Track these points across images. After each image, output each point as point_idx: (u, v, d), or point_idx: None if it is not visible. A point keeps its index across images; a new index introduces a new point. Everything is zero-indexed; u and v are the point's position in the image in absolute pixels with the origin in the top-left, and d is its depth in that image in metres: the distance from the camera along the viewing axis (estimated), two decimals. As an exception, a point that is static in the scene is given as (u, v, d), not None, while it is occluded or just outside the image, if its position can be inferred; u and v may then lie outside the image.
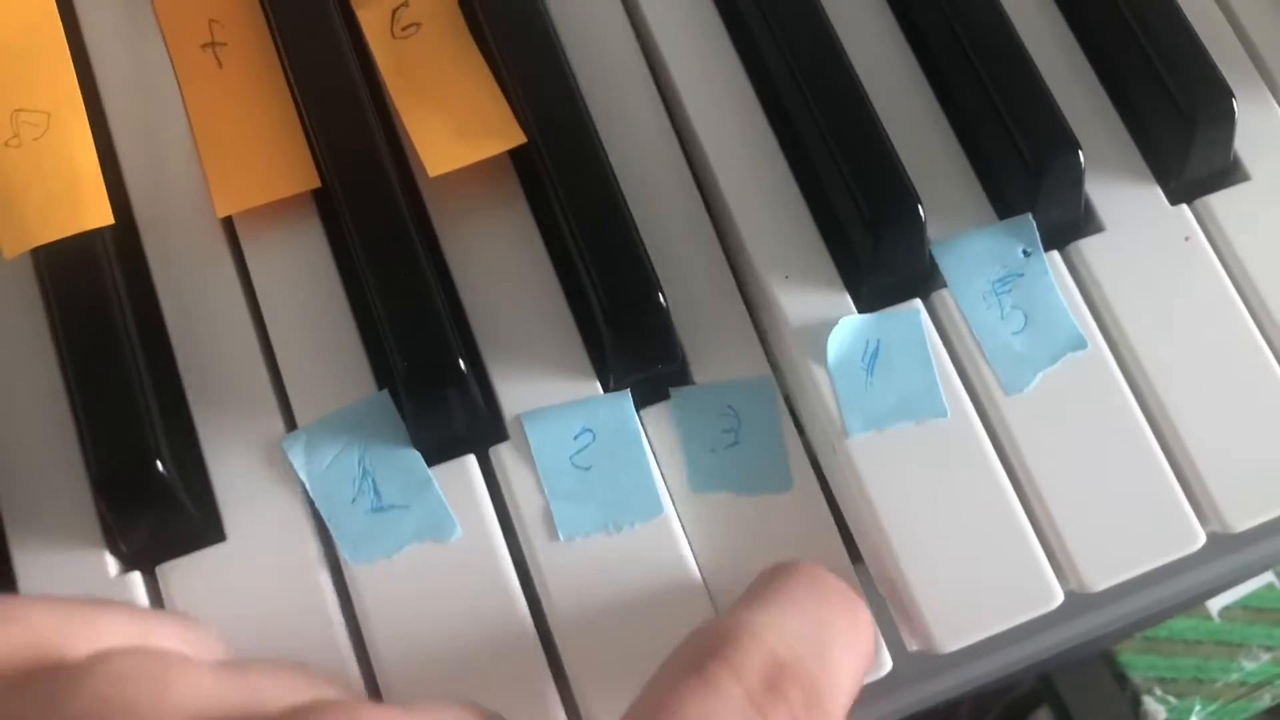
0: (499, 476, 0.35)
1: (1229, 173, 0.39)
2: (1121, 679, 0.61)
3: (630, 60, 0.40)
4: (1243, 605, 0.62)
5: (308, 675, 0.26)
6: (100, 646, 0.24)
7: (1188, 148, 0.38)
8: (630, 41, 0.40)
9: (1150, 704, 0.59)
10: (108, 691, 0.22)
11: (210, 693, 0.23)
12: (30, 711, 0.22)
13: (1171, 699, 0.60)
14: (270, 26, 0.39)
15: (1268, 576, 0.62)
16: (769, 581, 0.30)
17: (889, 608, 0.35)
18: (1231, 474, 0.36)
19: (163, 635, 0.26)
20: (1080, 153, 0.37)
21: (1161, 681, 0.61)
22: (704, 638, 0.27)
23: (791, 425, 0.37)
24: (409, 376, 0.34)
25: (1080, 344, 0.37)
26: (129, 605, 0.32)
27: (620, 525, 0.35)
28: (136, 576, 0.34)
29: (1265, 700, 0.60)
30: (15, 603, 0.24)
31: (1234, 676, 0.60)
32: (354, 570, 0.34)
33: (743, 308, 0.38)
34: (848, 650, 0.28)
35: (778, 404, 0.37)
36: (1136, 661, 0.61)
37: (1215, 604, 0.62)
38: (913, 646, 0.35)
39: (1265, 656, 0.61)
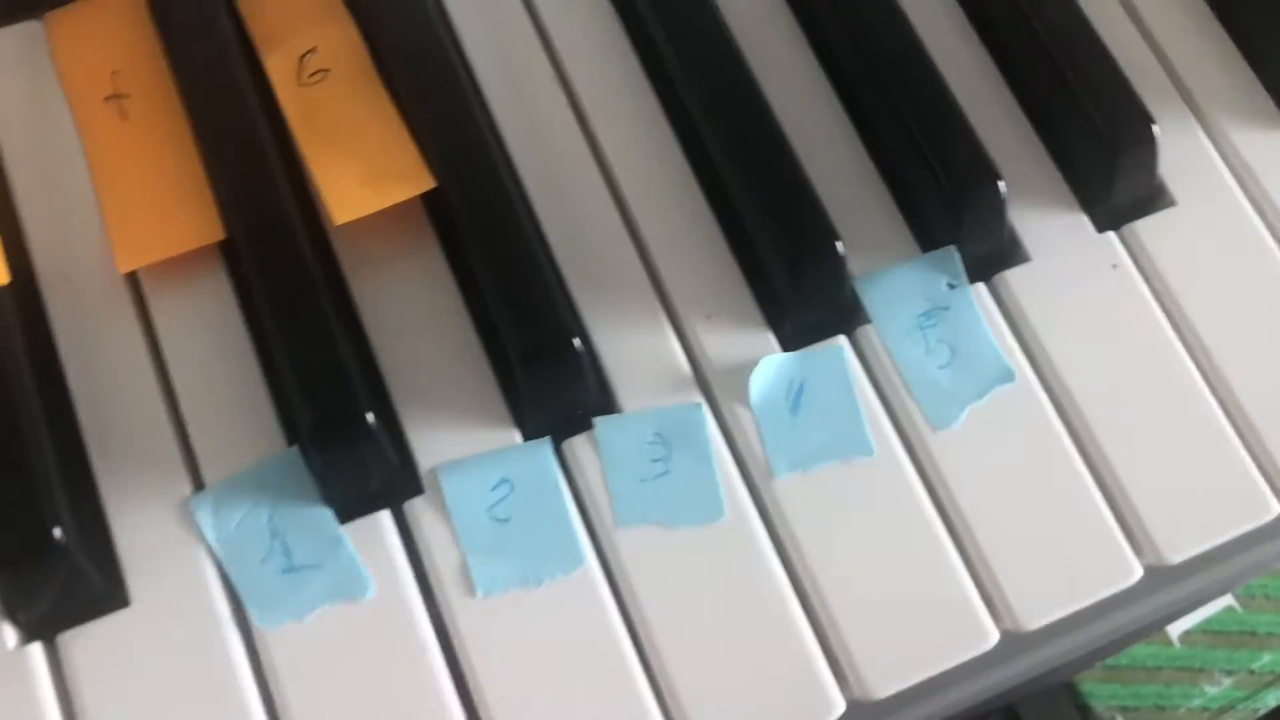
0: (414, 532, 0.34)
1: (1155, 198, 0.39)
2: (1084, 709, 0.60)
3: (553, 102, 0.39)
4: (1203, 630, 0.61)
5: None
6: None
7: (1111, 175, 0.38)
8: (552, 83, 0.40)
9: (1112, 734, 0.59)
10: None
11: None
12: None
13: (1134, 728, 0.59)
14: (174, 76, 0.38)
15: (1227, 599, 0.62)
16: None
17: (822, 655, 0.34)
18: (1166, 505, 0.35)
19: None
20: (1001, 182, 0.36)
21: (1124, 710, 0.60)
22: None
23: (727, 453, 0.35)
24: (314, 431, 0.33)
25: (1008, 377, 0.36)
26: None
27: (540, 578, 0.34)
28: (36, 649, 0.33)
29: (1229, 726, 0.59)
30: None
31: (1196, 702, 0.60)
32: (265, 633, 0.33)
33: (673, 336, 0.37)
34: None
35: (709, 430, 0.35)
36: (1098, 691, 0.60)
37: (1175, 629, 0.61)
38: (845, 696, 0.34)
39: (1227, 681, 0.60)
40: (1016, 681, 0.40)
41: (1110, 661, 0.61)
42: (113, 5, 0.39)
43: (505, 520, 0.34)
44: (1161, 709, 0.60)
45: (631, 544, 0.34)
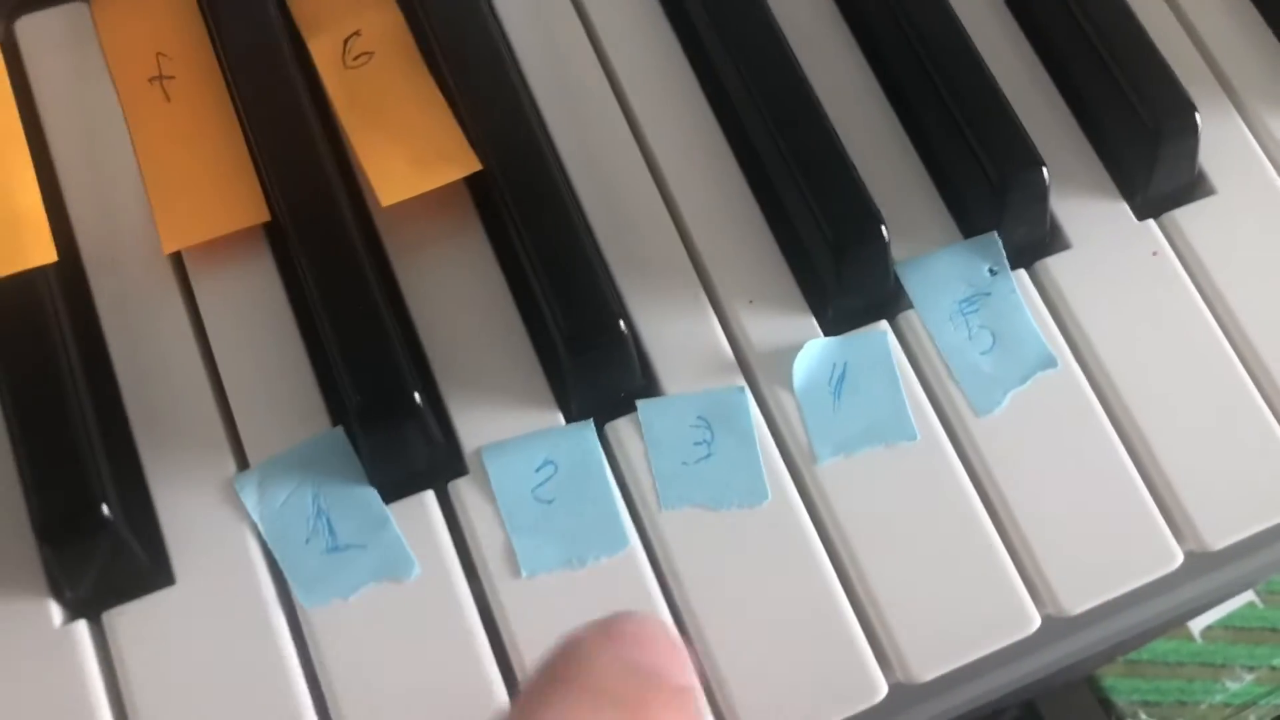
0: (458, 512, 0.34)
1: (1195, 187, 0.39)
2: (1106, 703, 0.60)
3: (596, 87, 0.39)
4: (1224, 625, 0.61)
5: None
6: None
7: (1152, 163, 0.38)
8: (594, 64, 0.40)
9: (1135, 729, 0.59)
10: None
11: None
12: None
13: (1156, 723, 0.59)
14: (219, 58, 0.38)
15: (1249, 595, 0.62)
16: (569, 664, 0.25)
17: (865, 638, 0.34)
18: (1208, 491, 0.35)
19: None
20: (1044, 170, 0.36)
21: (1146, 705, 0.60)
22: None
23: (769, 435, 0.35)
24: (362, 411, 0.33)
25: (1050, 363, 0.36)
26: None
27: (584, 560, 0.34)
28: (82, 626, 0.33)
29: (1251, 721, 0.59)
30: None
31: (1218, 698, 0.60)
32: (309, 613, 0.33)
33: (714, 320, 0.37)
34: (668, 651, 0.25)
35: (752, 413, 0.35)
36: (1120, 685, 0.60)
37: (1197, 625, 0.61)
38: (888, 679, 0.34)
39: (1249, 677, 0.60)
40: (1055, 669, 0.40)
41: (1132, 656, 0.60)
42: (157, -13, 0.39)
43: (549, 501, 0.34)
44: (1183, 704, 0.60)
45: (675, 526, 0.34)
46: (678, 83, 0.39)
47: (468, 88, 0.37)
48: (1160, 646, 0.61)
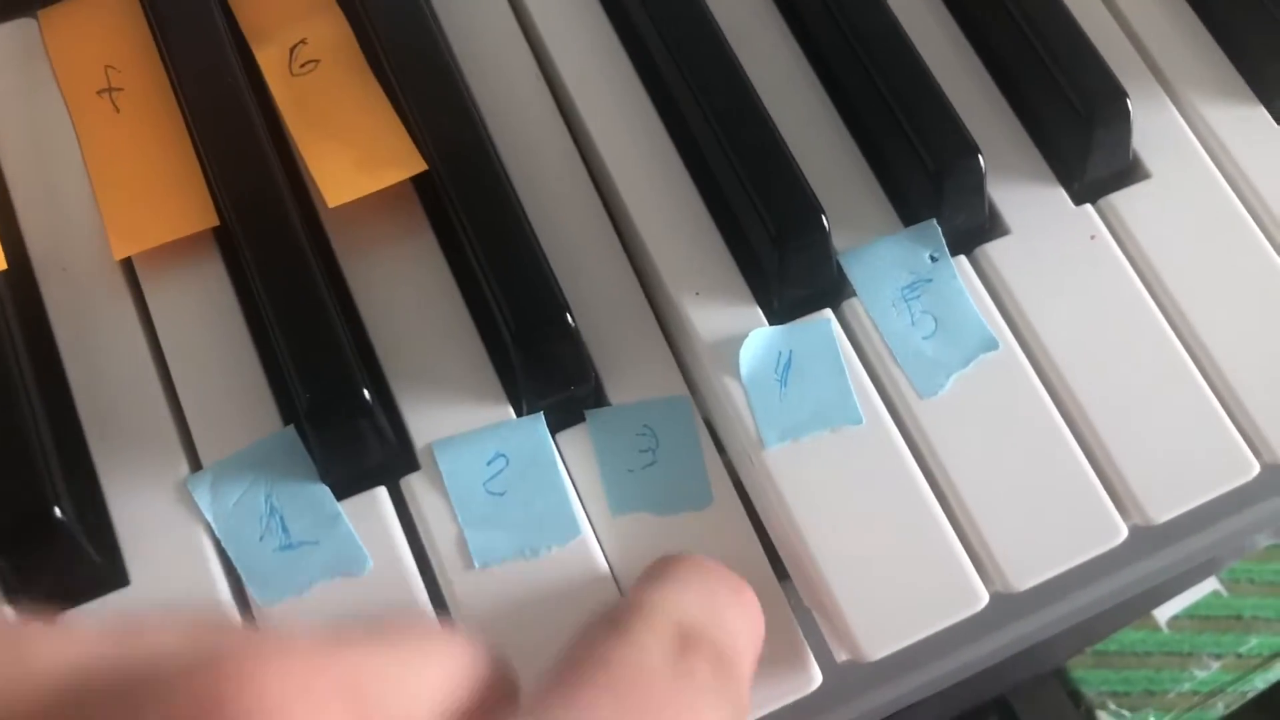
0: (411, 507, 0.35)
1: (1130, 171, 0.40)
2: (1075, 695, 0.60)
3: (533, 87, 0.40)
4: (1190, 615, 0.62)
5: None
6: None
7: (1087, 149, 0.38)
8: (532, 68, 0.41)
9: (1104, 718, 0.59)
10: None
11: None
12: None
13: (1126, 712, 0.59)
14: (167, 69, 0.38)
15: (1213, 584, 0.62)
16: (656, 570, 0.30)
17: (816, 619, 0.35)
18: (1149, 467, 0.36)
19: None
20: (980, 157, 0.37)
21: (1115, 695, 0.60)
22: (609, 613, 0.27)
23: (710, 442, 0.36)
24: (312, 410, 0.33)
25: (991, 345, 0.37)
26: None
27: (537, 549, 0.34)
28: (37, 628, 0.33)
29: (1218, 709, 0.59)
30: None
31: (1186, 686, 0.60)
32: (265, 610, 0.33)
33: (656, 328, 0.37)
34: (741, 619, 0.29)
35: (695, 421, 0.36)
36: (1089, 677, 0.61)
37: (1163, 615, 0.62)
38: (841, 656, 0.34)
39: (1215, 665, 0.61)
40: (1008, 652, 0.41)
41: (1100, 648, 0.61)
42: (105, 2, 0.40)
43: (501, 494, 0.35)
44: (1152, 694, 0.60)
45: (626, 529, 0.35)
46: (619, 80, 0.40)
47: (412, 91, 0.37)
48: (1128, 637, 0.61)
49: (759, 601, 0.30)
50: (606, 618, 0.26)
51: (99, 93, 0.38)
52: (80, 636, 0.20)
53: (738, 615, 0.28)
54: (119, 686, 0.19)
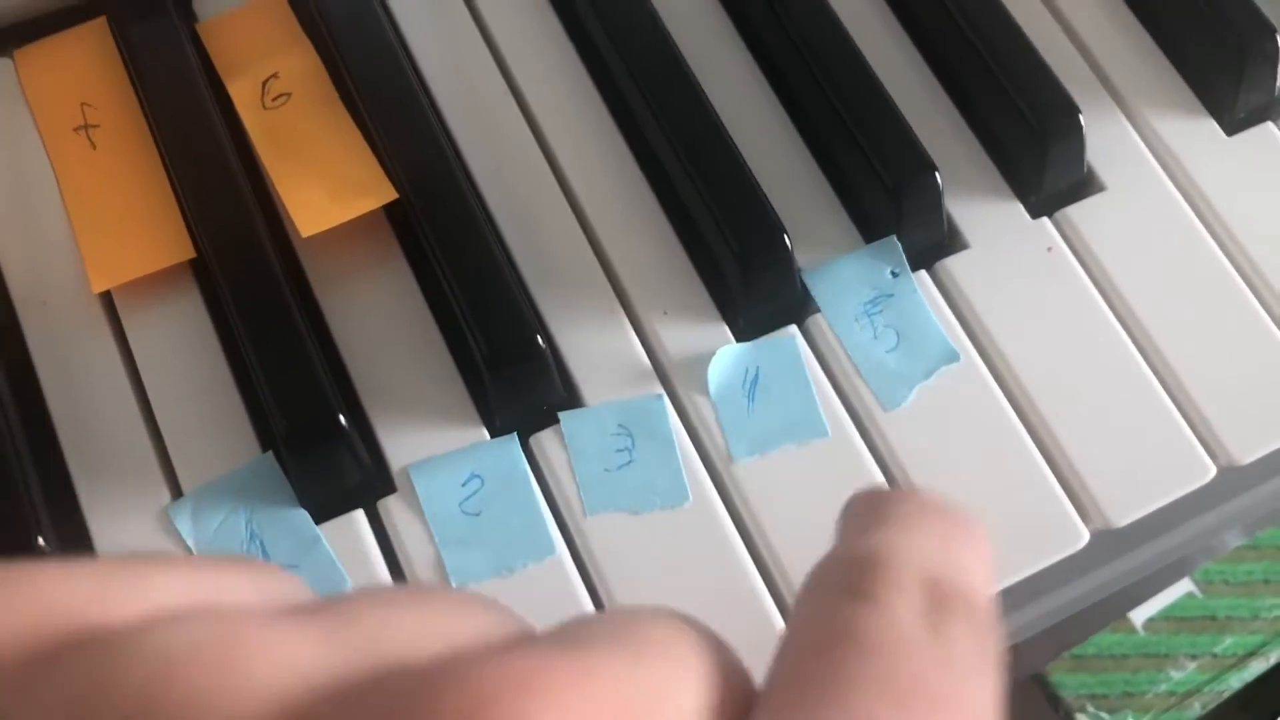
0: (388, 529, 0.35)
1: (1085, 185, 0.41)
2: (1054, 699, 0.61)
3: (504, 113, 0.41)
4: (1166, 616, 0.62)
5: (437, 600, 0.20)
6: (151, 610, 0.18)
7: (1041, 164, 0.39)
8: (503, 93, 0.41)
9: (1083, 721, 0.60)
10: (161, 672, 0.16)
11: (305, 660, 0.17)
12: (56, 702, 0.16)
13: (1104, 714, 0.60)
14: (142, 105, 0.39)
15: (1188, 585, 0.63)
16: (868, 511, 0.25)
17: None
18: (1109, 472, 0.37)
19: (234, 588, 0.20)
20: (937, 174, 0.38)
21: (1093, 698, 0.61)
22: (844, 568, 0.23)
23: (687, 439, 0.37)
24: (289, 436, 0.34)
25: (953, 357, 0.37)
26: (185, 557, 0.24)
27: (513, 567, 0.35)
28: (22, 657, 0.33)
29: (1195, 709, 0.60)
30: (23, 568, 0.18)
31: (1163, 687, 0.61)
32: (246, 634, 0.34)
33: (631, 331, 0.38)
34: (977, 559, 0.24)
35: (671, 419, 0.37)
36: (1067, 681, 0.61)
37: (1139, 617, 0.62)
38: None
39: (1192, 665, 0.61)
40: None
41: (1077, 651, 0.62)
42: (80, 40, 0.40)
43: (476, 514, 0.35)
44: (1130, 695, 0.61)
45: (600, 531, 0.35)
46: (585, 105, 0.41)
47: (382, 121, 0.38)
48: (1104, 640, 0.62)
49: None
50: (840, 583, 0.22)
51: (75, 129, 0.39)
52: (295, 647, 0.17)
53: (974, 555, 0.24)
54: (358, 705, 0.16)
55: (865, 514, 0.25)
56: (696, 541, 0.35)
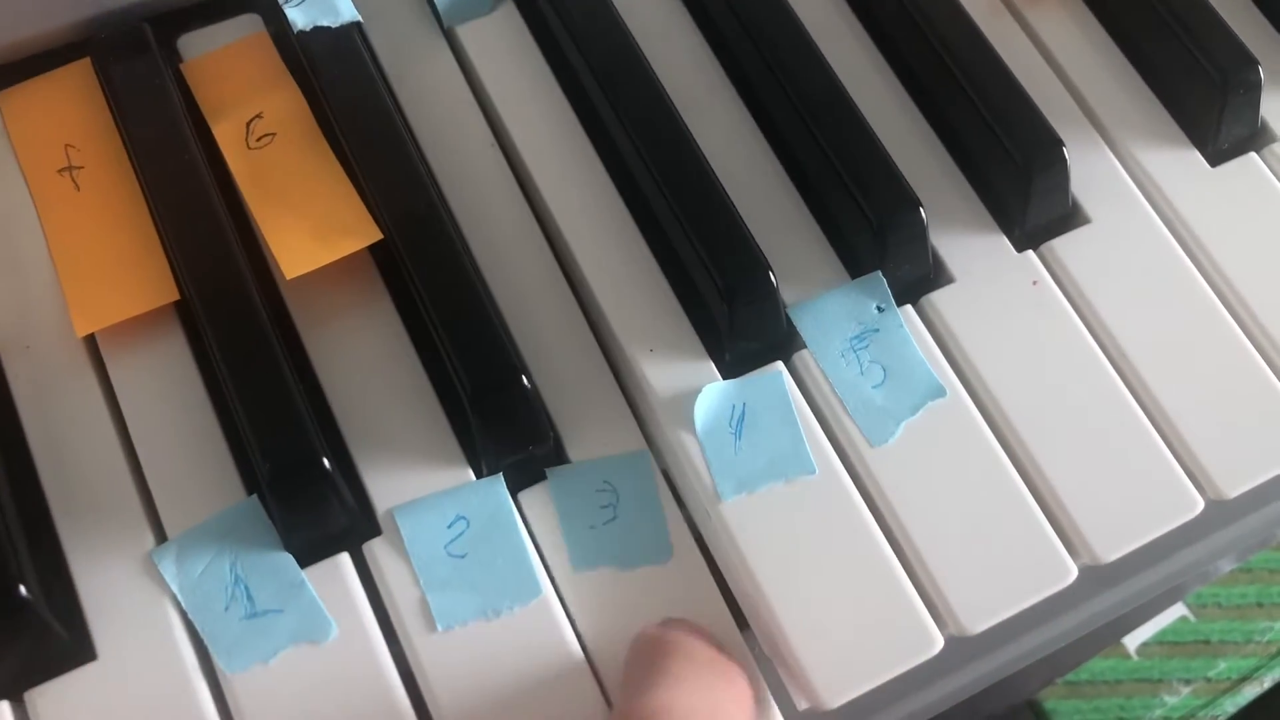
0: (374, 572, 0.35)
1: (1070, 217, 0.41)
2: (1049, 726, 0.61)
3: (488, 154, 0.41)
4: (1159, 641, 0.62)
5: None
6: None
7: (1026, 198, 0.40)
8: (486, 135, 0.41)
9: (1077, 748, 0.60)
10: None
11: None
12: None
13: (1099, 742, 0.60)
14: (126, 146, 0.39)
15: (1180, 610, 0.63)
16: (644, 661, 0.30)
17: (776, 667, 0.35)
18: (1097, 507, 0.37)
19: None
20: (921, 209, 0.38)
21: (1088, 725, 0.61)
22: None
23: (670, 496, 0.37)
24: (273, 479, 0.34)
25: (939, 392, 0.37)
26: None
27: (499, 610, 0.35)
28: (4, 707, 0.33)
29: (1190, 734, 0.60)
30: None
31: (1157, 713, 0.61)
32: (231, 679, 0.34)
33: (614, 384, 0.38)
34: (737, 709, 0.29)
35: (654, 476, 0.37)
36: (1062, 707, 0.61)
37: (1133, 642, 0.62)
38: (802, 704, 0.35)
39: (1186, 690, 0.61)
40: (968, 693, 0.41)
41: (1071, 677, 0.62)
42: (64, 82, 0.40)
43: (462, 556, 0.35)
44: (1124, 721, 0.61)
45: (588, 586, 0.35)
46: (570, 143, 0.41)
47: (366, 162, 0.38)
48: (1098, 665, 0.62)
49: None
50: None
51: (59, 171, 0.39)
52: None
53: (736, 712, 0.28)
54: None
55: (634, 666, 0.32)
56: (683, 590, 0.35)
